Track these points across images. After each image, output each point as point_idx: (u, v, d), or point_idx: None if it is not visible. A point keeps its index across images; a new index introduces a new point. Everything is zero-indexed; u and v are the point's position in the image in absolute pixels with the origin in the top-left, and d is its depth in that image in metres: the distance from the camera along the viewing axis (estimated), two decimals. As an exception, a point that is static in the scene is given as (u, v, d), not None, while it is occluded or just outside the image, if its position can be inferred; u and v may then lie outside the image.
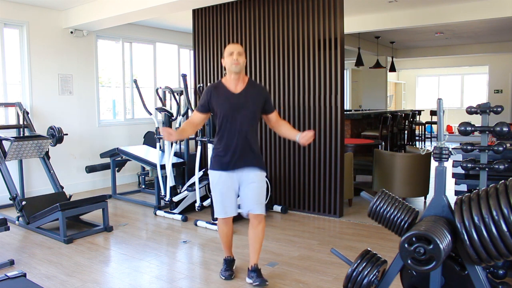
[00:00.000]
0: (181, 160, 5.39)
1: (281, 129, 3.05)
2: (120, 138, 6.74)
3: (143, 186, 6.26)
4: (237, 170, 2.89)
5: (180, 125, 4.98)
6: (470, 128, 2.36)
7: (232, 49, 2.86)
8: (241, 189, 2.94)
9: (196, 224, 4.40)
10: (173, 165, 4.99)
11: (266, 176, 4.63)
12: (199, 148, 4.58)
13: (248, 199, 2.91)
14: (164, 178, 4.89)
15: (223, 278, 3.08)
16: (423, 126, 11.56)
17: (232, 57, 2.82)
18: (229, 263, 3.15)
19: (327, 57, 4.55)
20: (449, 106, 14.01)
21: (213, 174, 2.95)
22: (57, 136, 5.01)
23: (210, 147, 4.30)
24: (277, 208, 4.86)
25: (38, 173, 5.58)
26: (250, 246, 3.00)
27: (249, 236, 3.00)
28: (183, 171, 5.48)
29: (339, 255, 2.02)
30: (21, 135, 5.11)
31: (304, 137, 2.82)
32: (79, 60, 6.19)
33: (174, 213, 4.74)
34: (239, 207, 3.05)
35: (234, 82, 2.89)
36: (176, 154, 5.30)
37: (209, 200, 4.48)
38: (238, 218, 4.27)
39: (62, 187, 4.82)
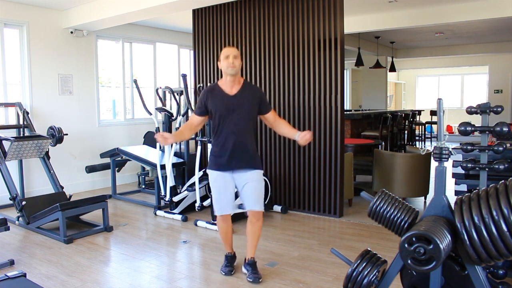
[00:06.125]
0: (181, 160, 5.39)
1: (280, 128, 3.12)
2: (120, 138, 6.74)
3: (143, 186, 6.26)
4: (233, 171, 2.99)
5: (180, 125, 4.98)
6: (470, 128, 2.36)
7: (228, 52, 2.92)
8: (240, 189, 3.04)
9: (196, 224, 4.40)
10: (173, 165, 4.99)
11: (266, 176, 4.67)
12: (199, 148, 4.58)
13: (247, 198, 3.01)
14: (164, 178, 4.89)
15: (223, 273, 3.13)
16: (423, 126, 11.56)
17: (228, 60, 2.90)
18: (230, 259, 3.20)
19: (327, 57, 4.54)
20: (449, 106, 14.01)
21: (210, 174, 3.06)
22: (57, 136, 5.01)
23: (210, 147, 4.30)
24: (277, 208, 4.86)
25: (38, 173, 5.57)
26: (247, 240, 3.12)
27: (247, 231, 3.11)
28: (183, 171, 5.48)
29: (339, 255, 2.02)
30: (21, 135, 5.11)
31: (303, 138, 2.90)
32: (79, 60, 6.19)
33: (174, 213, 4.74)
34: (240, 206, 3.05)
35: (230, 84, 2.98)
36: (176, 154, 5.30)
37: (209, 200, 4.48)
38: (238, 218, 4.29)
39: (62, 187, 4.82)
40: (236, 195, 3.20)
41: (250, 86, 3.13)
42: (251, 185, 2.97)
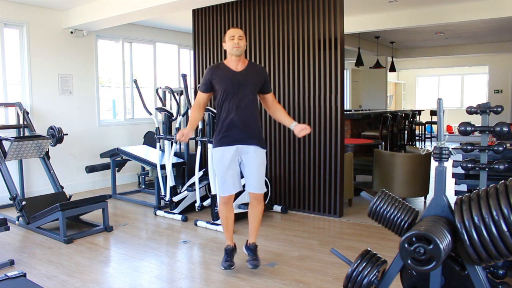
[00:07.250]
0: (181, 160, 5.39)
1: (276, 113, 3.20)
2: (120, 138, 6.74)
3: (143, 186, 6.26)
4: (237, 145, 3.02)
5: (180, 125, 4.98)
6: (470, 128, 2.36)
7: (233, 33, 3.01)
8: (243, 166, 3.08)
9: (196, 224, 4.40)
10: (173, 165, 4.99)
11: (266, 176, 4.67)
12: (199, 148, 4.58)
13: (250, 179, 3.06)
14: (164, 178, 4.89)
15: (222, 268, 3.14)
16: (423, 126, 11.56)
17: (233, 41, 2.98)
18: (229, 252, 3.20)
19: (327, 57, 4.55)
20: (449, 106, 14.01)
21: (215, 152, 3.08)
22: (57, 136, 5.01)
23: (210, 147, 4.30)
24: (277, 208, 4.86)
25: (38, 173, 5.58)
26: (249, 224, 3.22)
27: (248, 215, 3.21)
28: (183, 171, 5.48)
29: (339, 255, 2.02)
30: (21, 135, 5.11)
31: (300, 130, 2.97)
32: (79, 60, 6.19)
33: (174, 213, 4.74)
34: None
35: (234, 63, 3.05)
36: (176, 154, 5.30)
37: (209, 200, 4.48)
38: (238, 218, 4.28)
39: (62, 187, 4.82)
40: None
41: (255, 65, 3.22)
42: (254, 165, 3.02)
